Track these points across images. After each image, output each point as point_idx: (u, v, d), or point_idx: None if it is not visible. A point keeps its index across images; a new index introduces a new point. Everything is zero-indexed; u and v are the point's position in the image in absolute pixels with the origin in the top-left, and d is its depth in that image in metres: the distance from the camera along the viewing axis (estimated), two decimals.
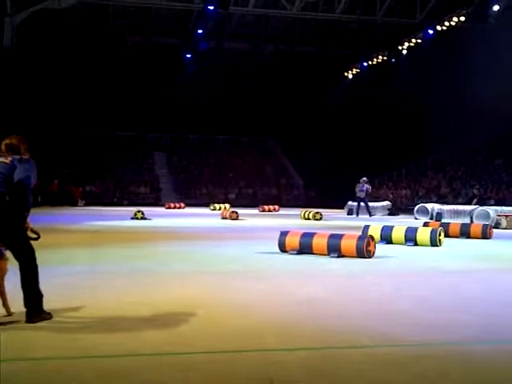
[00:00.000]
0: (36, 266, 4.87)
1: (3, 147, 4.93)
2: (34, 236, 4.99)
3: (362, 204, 25.35)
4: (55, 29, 36.05)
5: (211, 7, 31.76)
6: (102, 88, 41.67)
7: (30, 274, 4.82)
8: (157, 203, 36.74)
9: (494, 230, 14.98)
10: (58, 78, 39.64)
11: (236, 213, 22.10)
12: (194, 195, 40.28)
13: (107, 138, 43.61)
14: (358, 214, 25.13)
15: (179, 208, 32.04)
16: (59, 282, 6.53)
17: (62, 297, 5.75)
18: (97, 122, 42.37)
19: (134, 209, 22.69)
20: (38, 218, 11.25)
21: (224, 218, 22.07)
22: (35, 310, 4.78)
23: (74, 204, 34.00)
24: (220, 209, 28.79)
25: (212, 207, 31.20)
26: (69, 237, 13.09)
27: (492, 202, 24.78)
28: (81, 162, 40.32)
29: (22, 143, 4.97)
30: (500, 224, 18.42)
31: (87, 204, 34.51)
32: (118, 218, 21.13)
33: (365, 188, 24.90)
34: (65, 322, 4.83)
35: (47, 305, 4.90)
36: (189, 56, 40.69)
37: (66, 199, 34.55)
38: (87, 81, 41.07)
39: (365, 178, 25.31)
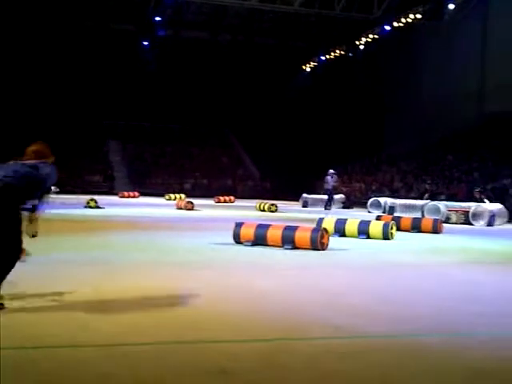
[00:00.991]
0: (14, 263, 4.83)
1: (31, 153, 5.22)
2: (33, 232, 5.09)
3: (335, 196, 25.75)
4: (8, 10, 35.07)
5: None
6: (56, 73, 40.81)
7: (6, 267, 4.76)
8: (110, 192, 36.26)
9: (445, 225, 15.34)
10: (11, 61, 38.62)
11: (191, 203, 22.00)
12: (148, 184, 39.91)
13: (60, 124, 42.71)
14: (330, 207, 25.35)
15: (133, 197, 31.72)
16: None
17: (13, 286, 5.61)
18: (50, 107, 41.46)
19: (87, 197, 22.35)
20: None
21: (179, 208, 21.94)
22: None
23: None
24: (175, 199, 28.62)
25: (167, 197, 31.00)
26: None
27: (443, 197, 25.30)
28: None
29: (48, 149, 5.37)
30: (450, 219, 18.87)
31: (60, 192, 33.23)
32: (71, 206, 20.76)
33: (330, 180, 25.09)
34: (17, 312, 4.72)
35: None
36: (146, 43, 40.21)
37: None
38: (41, 65, 40.15)
39: (331, 170, 25.51)
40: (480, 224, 18.17)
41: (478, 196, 21.11)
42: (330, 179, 25.10)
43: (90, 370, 3.43)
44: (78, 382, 3.26)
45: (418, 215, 19.20)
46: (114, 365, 3.53)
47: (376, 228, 11.85)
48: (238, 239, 9.86)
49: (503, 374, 3.65)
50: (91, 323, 4.45)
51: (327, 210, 23.90)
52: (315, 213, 20.15)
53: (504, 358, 3.93)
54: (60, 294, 5.44)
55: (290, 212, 22.52)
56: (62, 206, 20.47)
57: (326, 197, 26.06)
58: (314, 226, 10.75)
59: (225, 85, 45.08)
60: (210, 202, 29.30)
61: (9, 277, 4.88)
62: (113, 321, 4.54)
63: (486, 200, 20.37)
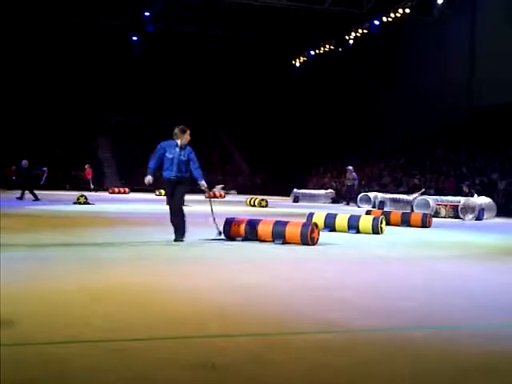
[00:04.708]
0: None
1: None
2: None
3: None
4: None
5: None
6: (45, 68, 40.59)
7: None
8: (100, 188, 36.08)
9: (434, 219, 15.42)
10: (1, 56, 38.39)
11: None
12: (139, 180, 39.74)
13: (50, 119, 42.52)
14: (348, 203, 25.88)
15: (123, 193, 31.64)
16: None
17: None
18: (39, 103, 41.25)
19: (77, 193, 22.27)
20: None
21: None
22: None
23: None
24: (165, 195, 28.54)
25: (157, 193, 30.92)
26: (8, 221, 12.73)
27: (432, 191, 25.41)
28: (21, 144, 39.18)
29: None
30: (439, 213, 18.97)
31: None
32: (60, 202, 20.69)
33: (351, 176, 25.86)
34: (3, 308, 4.70)
35: None
36: (135, 38, 40.05)
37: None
38: (30, 60, 39.90)
39: (350, 167, 26.28)
40: (469, 218, 18.28)
41: (466, 190, 21.24)
42: (349, 175, 25.91)
43: (80, 366, 3.43)
44: (66, 379, 3.26)
45: (408, 210, 19.29)
46: (104, 361, 3.53)
47: (366, 223, 11.91)
48: (228, 235, 9.88)
49: (490, 367, 3.68)
50: (80, 319, 4.44)
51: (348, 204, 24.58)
52: (306, 208, 20.19)
53: (491, 352, 3.96)
54: (47, 290, 5.43)
55: (280, 207, 22.55)
56: (50, 203, 20.42)
57: (318, 192, 26.46)
58: (304, 221, 10.77)
59: (214, 80, 44.98)
60: (201, 197, 29.23)
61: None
62: (102, 317, 4.53)
63: (475, 194, 20.49)
